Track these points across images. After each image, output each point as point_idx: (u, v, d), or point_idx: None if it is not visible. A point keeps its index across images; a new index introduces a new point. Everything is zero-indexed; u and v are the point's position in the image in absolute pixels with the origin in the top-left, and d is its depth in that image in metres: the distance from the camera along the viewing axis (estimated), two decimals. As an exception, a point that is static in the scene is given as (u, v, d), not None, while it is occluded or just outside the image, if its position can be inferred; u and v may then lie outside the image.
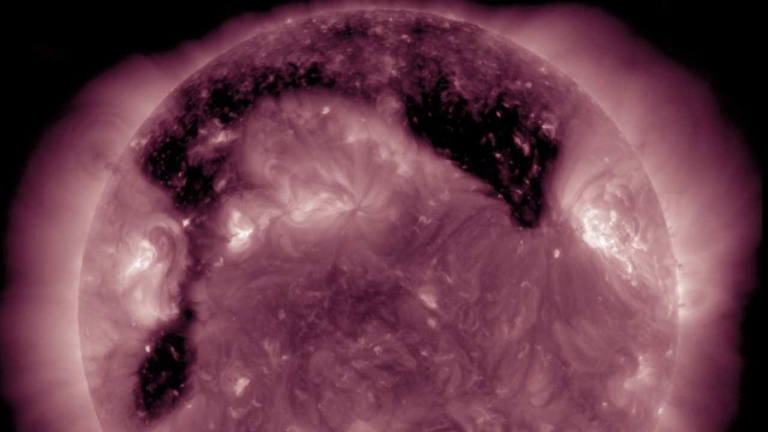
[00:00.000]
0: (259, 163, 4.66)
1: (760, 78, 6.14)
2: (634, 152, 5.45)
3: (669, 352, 5.24)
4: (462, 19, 5.64)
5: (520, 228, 4.62)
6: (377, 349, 4.45)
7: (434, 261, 4.48)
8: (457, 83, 4.89)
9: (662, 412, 5.42)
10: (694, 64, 5.94)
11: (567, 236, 4.72)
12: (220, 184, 4.70)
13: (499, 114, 4.84)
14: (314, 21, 5.50)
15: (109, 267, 5.04)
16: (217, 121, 4.92)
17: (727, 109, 5.89)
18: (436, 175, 4.57)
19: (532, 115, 4.93)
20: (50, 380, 5.70)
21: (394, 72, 4.89)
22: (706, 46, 6.12)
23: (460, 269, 4.49)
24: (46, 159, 5.87)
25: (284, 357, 4.51)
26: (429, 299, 4.47)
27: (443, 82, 4.87)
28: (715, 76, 5.98)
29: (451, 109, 4.77)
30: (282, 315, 4.50)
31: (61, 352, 5.64)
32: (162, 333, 4.78)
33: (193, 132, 4.97)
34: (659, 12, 6.14)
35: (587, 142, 5.04)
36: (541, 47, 5.72)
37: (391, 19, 5.36)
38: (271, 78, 5.01)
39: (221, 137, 4.85)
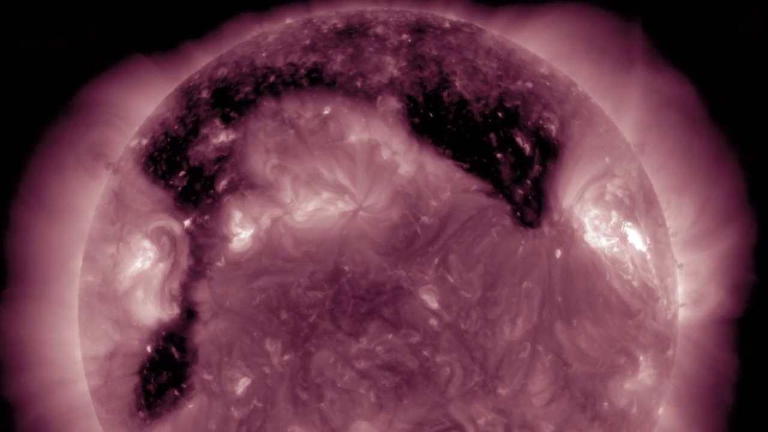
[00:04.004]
0: (261, 163, 4.66)
1: (759, 78, 6.15)
2: (635, 152, 5.46)
3: (669, 352, 5.25)
4: (462, 19, 5.64)
5: (522, 228, 4.62)
6: (379, 349, 4.45)
7: (436, 261, 4.48)
8: (458, 83, 4.89)
9: (662, 412, 5.42)
10: (693, 64, 5.95)
11: (568, 236, 4.72)
12: (222, 184, 4.69)
13: (500, 114, 4.84)
14: (314, 21, 5.50)
15: (110, 267, 5.03)
16: (218, 121, 4.91)
17: (724, 109, 5.91)
18: (437, 175, 4.57)
19: (533, 115, 4.93)
20: (50, 380, 5.68)
21: (395, 72, 4.89)
22: (706, 46, 6.13)
23: (462, 269, 4.49)
24: (46, 159, 5.86)
25: (286, 357, 4.51)
26: (431, 299, 4.47)
27: (444, 82, 4.87)
28: (714, 76, 6.00)
29: (452, 109, 4.77)
30: (284, 315, 4.50)
31: (61, 352, 5.62)
32: (163, 333, 4.77)
33: (194, 132, 4.96)
34: (659, 12, 6.15)
35: (588, 142, 5.05)
36: (542, 47, 5.71)
37: (391, 19, 5.36)
38: (272, 78, 5.00)
39: (222, 137, 4.84)
